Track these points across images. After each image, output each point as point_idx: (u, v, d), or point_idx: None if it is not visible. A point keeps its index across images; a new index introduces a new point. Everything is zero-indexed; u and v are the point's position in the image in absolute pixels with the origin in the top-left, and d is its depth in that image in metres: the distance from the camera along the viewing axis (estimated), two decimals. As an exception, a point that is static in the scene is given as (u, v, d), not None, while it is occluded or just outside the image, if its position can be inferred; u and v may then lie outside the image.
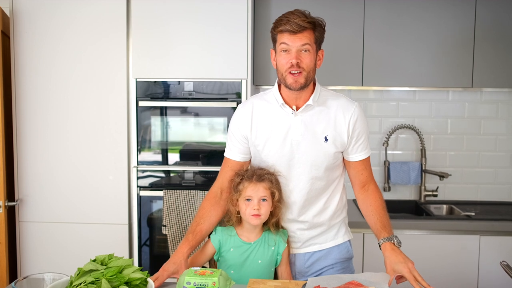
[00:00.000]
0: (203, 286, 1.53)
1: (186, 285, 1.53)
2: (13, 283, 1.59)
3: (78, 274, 1.51)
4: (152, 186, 2.86)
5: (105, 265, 1.52)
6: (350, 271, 2.03)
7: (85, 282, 1.47)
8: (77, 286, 1.46)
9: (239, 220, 1.92)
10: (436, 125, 3.39)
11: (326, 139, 1.86)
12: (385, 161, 3.36)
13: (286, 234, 1.95)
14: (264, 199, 1.85)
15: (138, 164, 2.84)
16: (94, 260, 1.55)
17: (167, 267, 1.82)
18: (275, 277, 1.95)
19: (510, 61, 3.02)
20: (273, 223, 1.90)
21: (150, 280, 1.52)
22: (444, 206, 3.32)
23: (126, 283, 1.48)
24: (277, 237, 1.92)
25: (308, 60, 1.80)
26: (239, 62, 2.78)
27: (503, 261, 1.79)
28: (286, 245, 1.92)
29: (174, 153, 2.87)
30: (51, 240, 2.85)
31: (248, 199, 1.85)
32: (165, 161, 2.86)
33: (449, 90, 3.34)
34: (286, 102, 1.89)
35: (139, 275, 1.50)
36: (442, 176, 3.21)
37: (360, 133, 1.91)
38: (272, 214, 1.89)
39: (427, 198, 3.36)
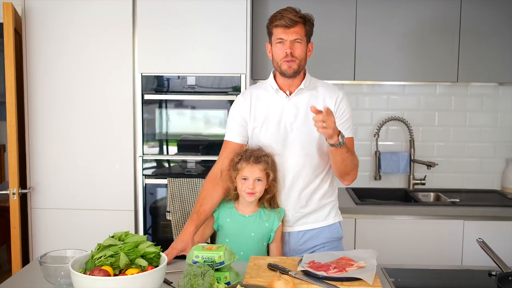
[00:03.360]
0: (210, 259, 1.70)
1: (195, 258, 1.71)
2: (39, 257, 1.77)
3: (98, 249, 1.68)
4: (157, 175, 3.03)
5: (123, 241, 1.69)
6: (340, 249, 2.21)
7: (105, 255, 1.63)
8: (98, 259, 1.64)
9: (237, 196, 2.11)
10: (425, 117, 3.57)
11: None
12: (376, 151, 3.54)
13: (282, 213, 2.12)
14: (259, 180, 2.03)
15: (143, 154, 3.02)
16: (112, 236, 1.72)
17: (175, 245, 2.01)
18: (268, 252, 2.13)
19: (494, 57, 3.18)
20: (267, 199, 2.09)
21: (163, 254, 1.70)
22: (432, 193, 3.50)
23: (142, 256, 1.65)
24: (273, 214, 2.09)
25: (300, 50, 2.05)
26: (238, 58, 2.95)
27: (479, 238, 1.97)
28: (280, 223, 2.09)
29: (177, 143, 3.05)
30: (61, 225, 3.02)
31: (245, 179, 2.04)
32: (168, 151, 3.04)
33: (437, 84, 3.51)
34: (280, 88, 2.12)
35: (153, 249, 1.67)
36: (429, 165, 3.38)
37: (344, 112, 2.12)
38: (267, 191, 2.08)
39: (416, 186, 3.54)
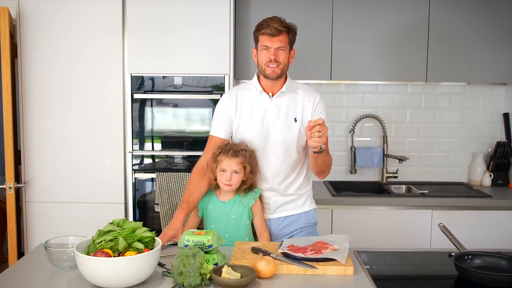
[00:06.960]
0: (199, 243, 1.89)
1: (186, 242, 1.90)
2: (44, 242, 1.94)
3: (98, 234, 1.86)
4: (146, 169, 3.21)
5: (121, 227, 1.87)
6: (315, 234, 2.42)
7: (105, 240, 1.81)
8: (99, 243, 1.81)
9: (218, 185, 2.30)
10: (397, 114, 3.78)
11: (295, 120, 2.29)
12: (351, 147, 3.75)
13: (258, 192, 2.31)
14: (236, 172, 2.22)
15: (132, 150, 3.19)
16: (111, 223, 1.90)
17: (167, 232, 2.19)
18: (253, 229, 2.34)
19: (461, 58, 3.40)
20: (243, 189, 2.28)
21: (157, 238, 1.88)
22: (403, 186, 3.72)
23: (139, 241, 1.83)
24: (248, 196, 2.29)
25: (283, 57, 2.25)
26: (222, 59, 3.13)
27: (440, 223, 2.19)
28: (254, 201, 2.28)
29: (164, 139, 3.22)
30: (54, 217, 3.17)
31: (223, 170, 2.23)
32: (156, 147, 3.22)
33: (408, 84, 3.73)
34: (264, 90, 2.31)
35: (148, 234, 1.85)
36: (401, 159, 3.60)
37: (321, 114, 2.33)
38: (244, 181, 2.27)
39: (388, 179, 3.75)
